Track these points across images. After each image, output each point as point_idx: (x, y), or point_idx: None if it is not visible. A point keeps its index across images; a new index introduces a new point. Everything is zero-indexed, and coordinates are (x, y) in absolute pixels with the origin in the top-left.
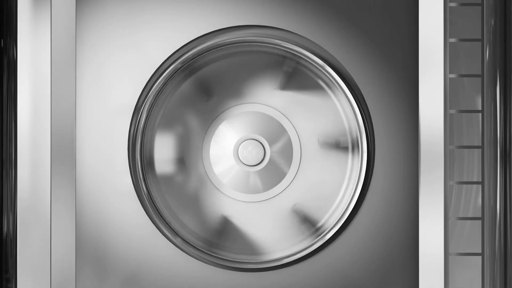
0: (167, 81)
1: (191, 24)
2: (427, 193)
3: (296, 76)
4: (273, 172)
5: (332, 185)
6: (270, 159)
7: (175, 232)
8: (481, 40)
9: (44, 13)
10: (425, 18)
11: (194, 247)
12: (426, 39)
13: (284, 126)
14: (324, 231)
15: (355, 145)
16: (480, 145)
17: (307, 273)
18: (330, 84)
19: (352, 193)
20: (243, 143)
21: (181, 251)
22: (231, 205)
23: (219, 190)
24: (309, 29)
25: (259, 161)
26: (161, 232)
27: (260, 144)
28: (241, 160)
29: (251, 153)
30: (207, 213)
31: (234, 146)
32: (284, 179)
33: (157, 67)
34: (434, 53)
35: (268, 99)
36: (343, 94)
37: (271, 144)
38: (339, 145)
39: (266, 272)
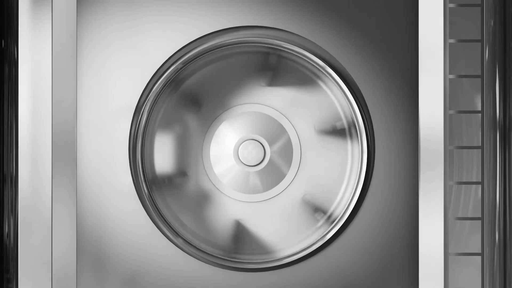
0: (168, 81)
1: (191, 25)
2: (427, 193)
3: (290, 73)
4: (273, 172)
5: (334, 177)
6: (270, 159)
7: (176, 233)
8: (481, 40)
9: (45, 13)
10: (425, 18)
11: (194, 247)
12: (426, 40)
13: (284, 125)
14: (336, 218)
15: (355, 146)
16: (480, 145)
17: (307, 273)
18: (329, 84)
19: (352, 193)
20: (243, 143)
21: (182, 251)
22: (231, 205)
23: (219, 190)
24: (309, 30)
25: (259, 161)
26: (161, 232)
27: (260, 144)
28: (241, 160)
29: (251, 153)
30: (207, 213)
31: (234, 146)
32: (286, 176)
33: (157, 67)
34: (434, 53)
35: (268, 99)
36: (343, 95)
37: (271, 144)
38: (336, 130)
39: (266, 272)
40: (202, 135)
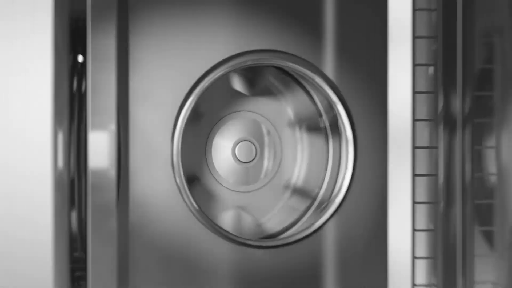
0: (205, 92)
1: (221, 45)
2: (396, 183)
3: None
4: (262, 168)
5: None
6: (260, 157)
7: (209, 219)
8: (434, 65)
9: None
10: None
11: (225, 231)
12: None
13: (269, 130)
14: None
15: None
16: (437, 146)
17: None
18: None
19: (339, 187)
20: (239, 144)
21: (217, 236)
22: (233, 196)
23: (221, 184)
24: (314, 53)
25: (251, 159)
26: (198, 220)
27: (252, 144)
28: (238, 157)
29: (244, 152)
30: (210, 207)
31: (232, 146)
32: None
33: (193, 82)
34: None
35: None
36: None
37: (260, 144)
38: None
39: (276, 249)
40: (204, 137)
